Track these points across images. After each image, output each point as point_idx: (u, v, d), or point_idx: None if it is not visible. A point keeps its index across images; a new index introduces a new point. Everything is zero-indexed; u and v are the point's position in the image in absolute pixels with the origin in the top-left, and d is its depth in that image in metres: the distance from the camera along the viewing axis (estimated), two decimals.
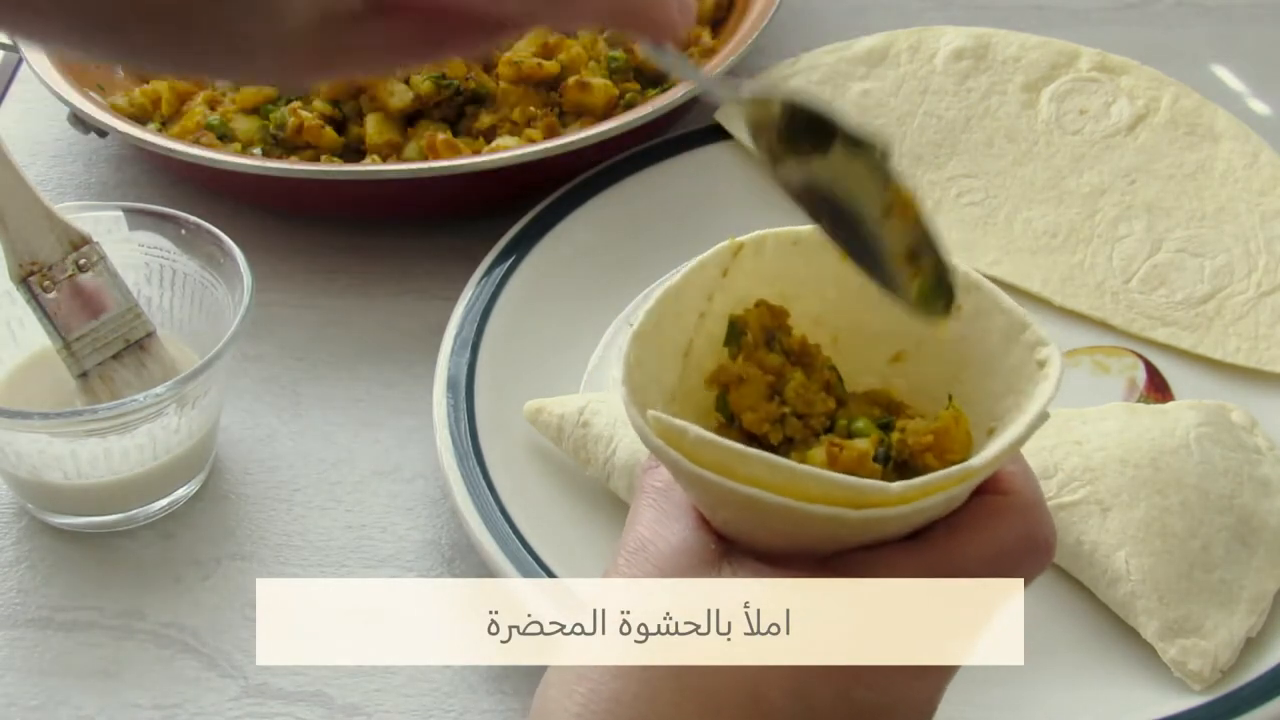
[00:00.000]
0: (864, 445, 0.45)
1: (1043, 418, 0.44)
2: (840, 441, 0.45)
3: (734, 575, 0.44)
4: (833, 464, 0.44)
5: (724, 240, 0.49)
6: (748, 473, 0.42)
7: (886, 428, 0.46)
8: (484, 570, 0.70)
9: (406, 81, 0.92)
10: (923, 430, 0.45)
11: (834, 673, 0.43)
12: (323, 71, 0.46)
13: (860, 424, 0.46)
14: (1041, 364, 0.45)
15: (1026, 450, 0.66)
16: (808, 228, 0.48)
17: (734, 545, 0.46)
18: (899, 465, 0.46)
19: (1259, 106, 0.98)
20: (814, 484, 0.42)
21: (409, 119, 0.93)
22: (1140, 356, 0.80)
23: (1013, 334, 0.46)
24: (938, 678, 0.45)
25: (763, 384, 0.46)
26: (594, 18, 0.46)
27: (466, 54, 0.49)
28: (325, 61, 0.44)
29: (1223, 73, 1.01)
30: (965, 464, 0.43)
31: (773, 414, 0.46)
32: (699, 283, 0.48)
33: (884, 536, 0.44)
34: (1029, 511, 0.46)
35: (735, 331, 0.47)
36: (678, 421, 0.43)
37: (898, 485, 0.42)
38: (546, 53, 0.94)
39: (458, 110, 0.93)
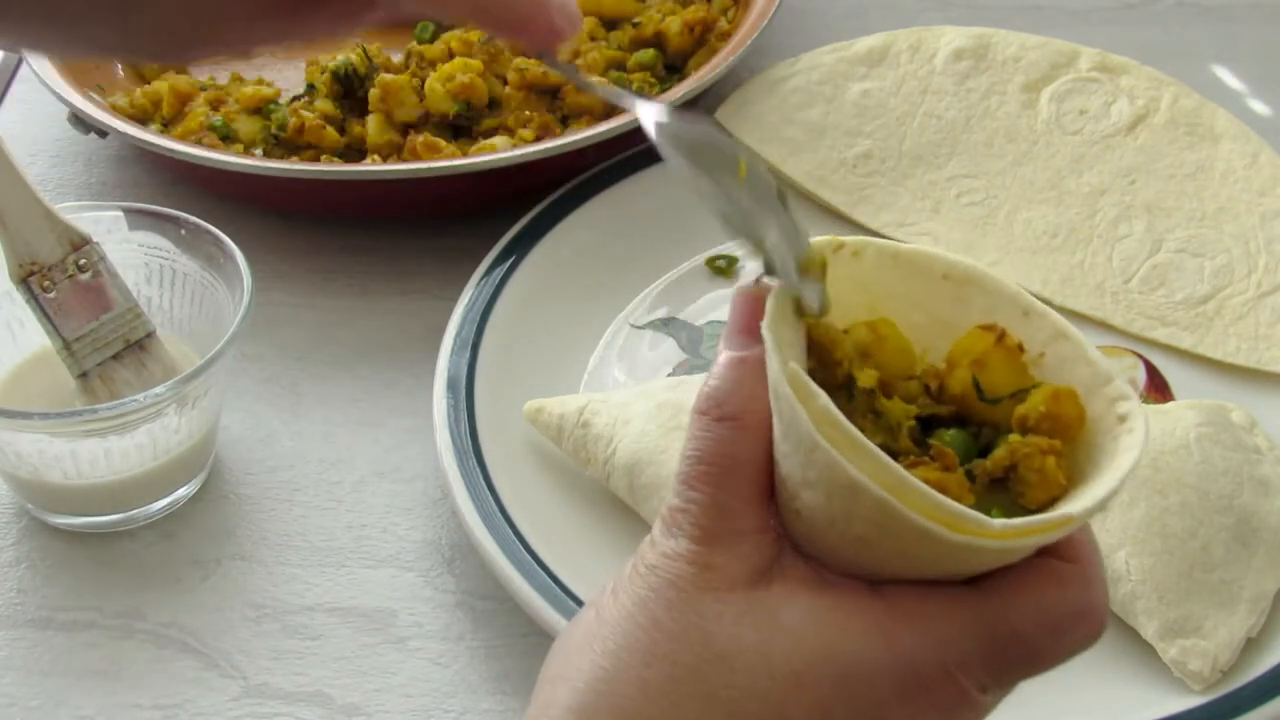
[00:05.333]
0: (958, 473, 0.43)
1: (1132, 473, 0.42)
2: (940, 450, 0.44)
3: (785, 589, 0.44)
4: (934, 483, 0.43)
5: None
6: (857, 460, 0.41)
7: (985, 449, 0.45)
8: (484, 570, 0.70)
9: (420, 97, 0.92)
10: (1037, 413, 0.44)
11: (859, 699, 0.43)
12: (195, 47, 0.48)
13: (950, 436, 0.45)
14: (1123, 418, 0.43)
15: None
16: (910, 246, 0.47)
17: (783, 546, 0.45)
18: (995, 481, 0.44)
19: (1259, 106, 0.98)
20: (916, 495, 0.41)
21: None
22: (1140, 356, 0.80)
23: (1096, 387, 0.45)
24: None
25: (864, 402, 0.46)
26: (461, 11, 0.47)
27: (331, 31, 0.50)
28: (195, 35, 0.45)
29: (1223, 73, 1.01)
30: (1066, 512, 0.42)
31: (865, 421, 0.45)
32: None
33: (948, 569, 0.44)
34: (1091, 585, 0.44)
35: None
36: (814, 384, 0.42)
37: (999, 522, 0.41)
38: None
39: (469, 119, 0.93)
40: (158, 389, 0.69)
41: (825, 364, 0.45)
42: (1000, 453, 0.44)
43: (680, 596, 0.44)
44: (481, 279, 0.82)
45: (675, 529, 0.45)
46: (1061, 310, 0.82)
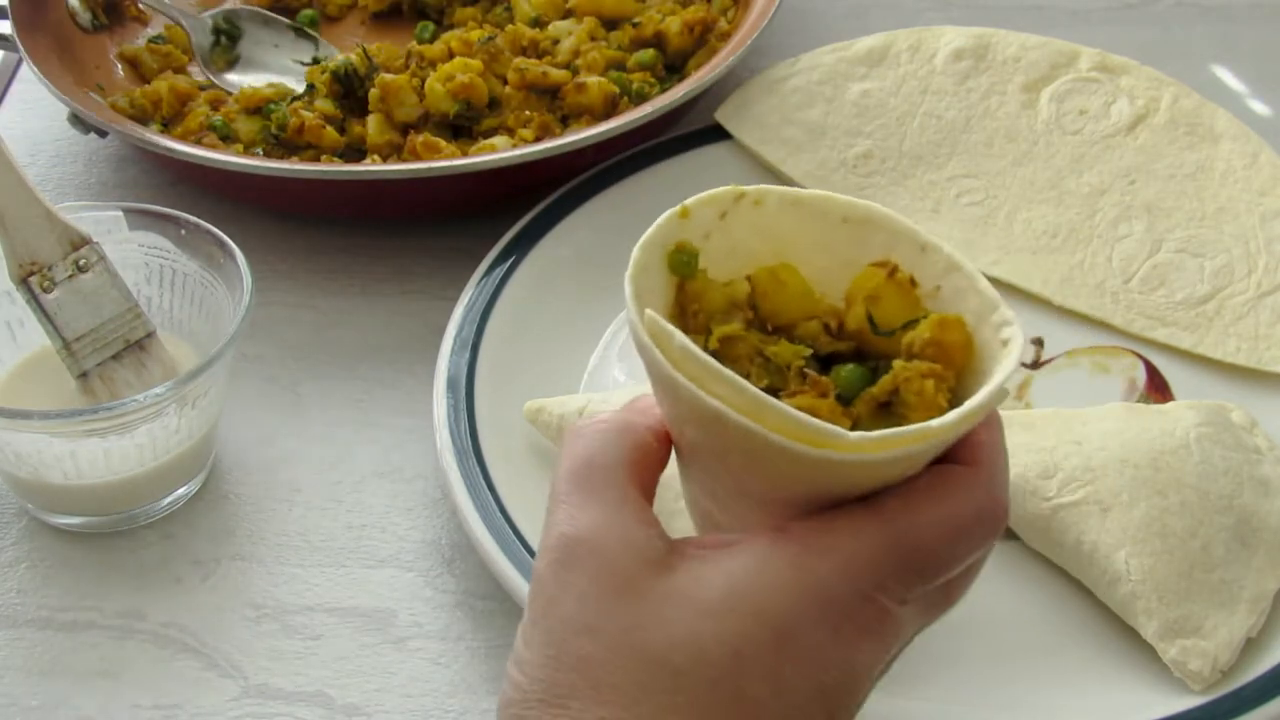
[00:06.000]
0: (826, 392, 0.46)
1: (1002, 393, 0.44)
2: (815, 379, 0.46)
3: (691, 573, 0.44)
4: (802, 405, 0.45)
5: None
6: (718, 390, 0.43)
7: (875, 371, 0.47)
8: (484, 570, 0.70)
9: (420, 97, 0.92)
10: (922, 340, 0.46)
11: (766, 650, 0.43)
12: None
13: (846, 370, 0.47)
14: (1005, 342, 0.46)
15: (1028, 449, 0.67)
16: (810, 191, 0.49)
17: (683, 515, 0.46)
18: (883, 406, 0.46)
19: (1259, 106, 0.98)
20: (775, 415, 0.43)
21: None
22: (1140, 356, 0.80)
23: (984, 314, 0.47)
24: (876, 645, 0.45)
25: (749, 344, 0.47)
26: None
27: None
28: None
29: (1223, 73, 1.01)
30: (924, 424, 0.43)
31: (748, 352, 0.47)
32: (699, 218, 0.49)
33: (837, 489, 0.45)
34: (990, 485, 0.46)
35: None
36: (669, 325, 0.44)
37: (855, 434, 0.43)
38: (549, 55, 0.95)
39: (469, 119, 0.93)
40: (158, 389, 0.69)
41: (686, 315, 0.48)
42: (885, 379, 0.46)
43: (589, 615, 0.44)
44: (481, 279, 0.82)
45: (559, 562, 0.45)
46: (1062, 310, 0.83)
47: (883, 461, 0.44)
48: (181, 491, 0.76)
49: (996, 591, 0.69)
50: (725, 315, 0.48)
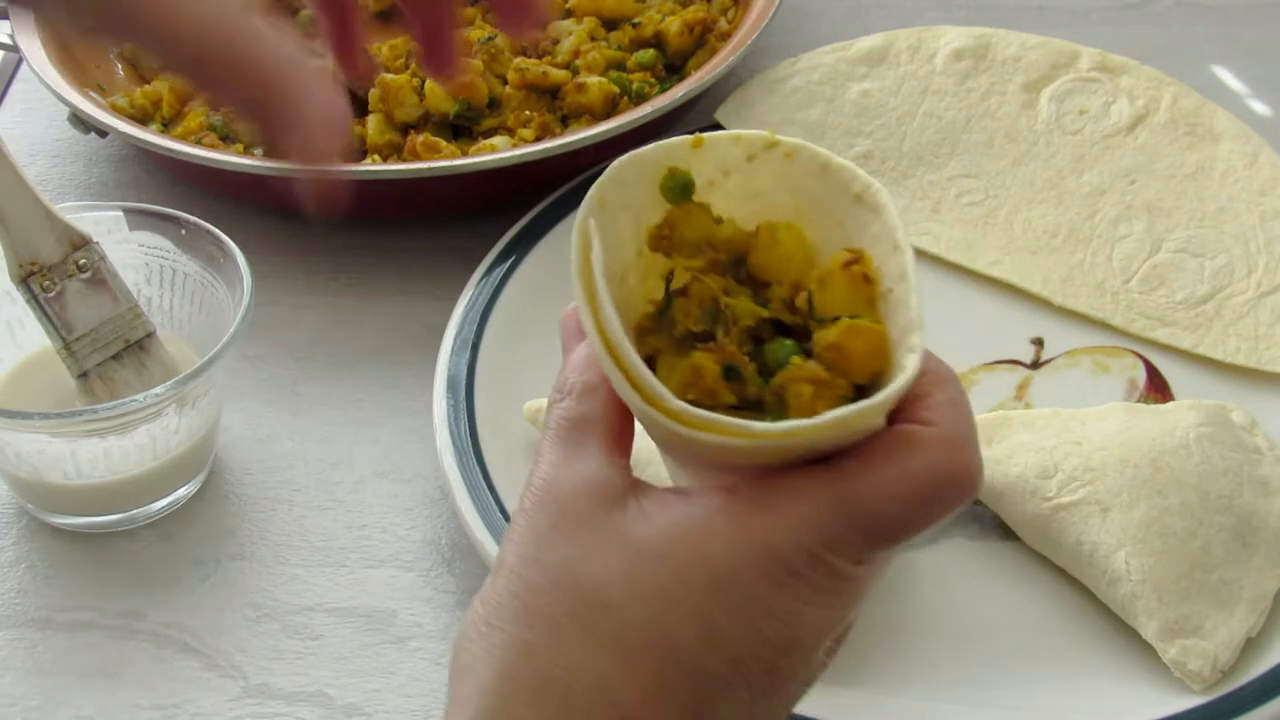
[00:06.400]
0: (713, 368, 0.46)
1: (861, 416, 0.43)
2: (723, 345, 0.46)
3: (640, 512, 0.45)
4: (698, 382, 0.45)
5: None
6: (645, 387, 0.44)
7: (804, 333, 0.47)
8: (484, 570, 0.70)
9: (420, 97, 0.92)
10: (825, 341, 0.46)
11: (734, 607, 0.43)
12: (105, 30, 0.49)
13: (775, 346, 0.46)
14: (903, 368, 0.44)
15: (1028, 449, 0.66)
16: (840, 160, 0.48)
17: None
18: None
19: (1259, 106, 0.98)
20: (690, 417, 0.43)
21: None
22: (1140, 356, 0.80)
23: (904, 331, 0.46)
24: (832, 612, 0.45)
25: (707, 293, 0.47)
26: (233, 106, 0.48)
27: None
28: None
29: (1223, 73, 1.01)
30: (748, 424, 0.43)
31: (701, 311, 0.47)
32: (720, 153, 0.49)
33: (777, 461, 0.45)
34: (951, 445, 0.44)
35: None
36: (596, 242, 0.45)
37: (760, 426, 0.42)
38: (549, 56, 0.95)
39: (469, 119, 0.93)
40: (158, 389, 0.69)
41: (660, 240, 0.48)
42: (780, 374, 0.45)
43: (541, 548, 0.45)
44: (481, 279, 0.82)
45: (528, 504, 0.47)
46: (1062, 310, 0.83)
47: (803, 444, 0.43)
48: (181, 491, 0.76)
49: (996, 591, 0.69)
50: (694, 250, 0.48)
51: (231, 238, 0.75)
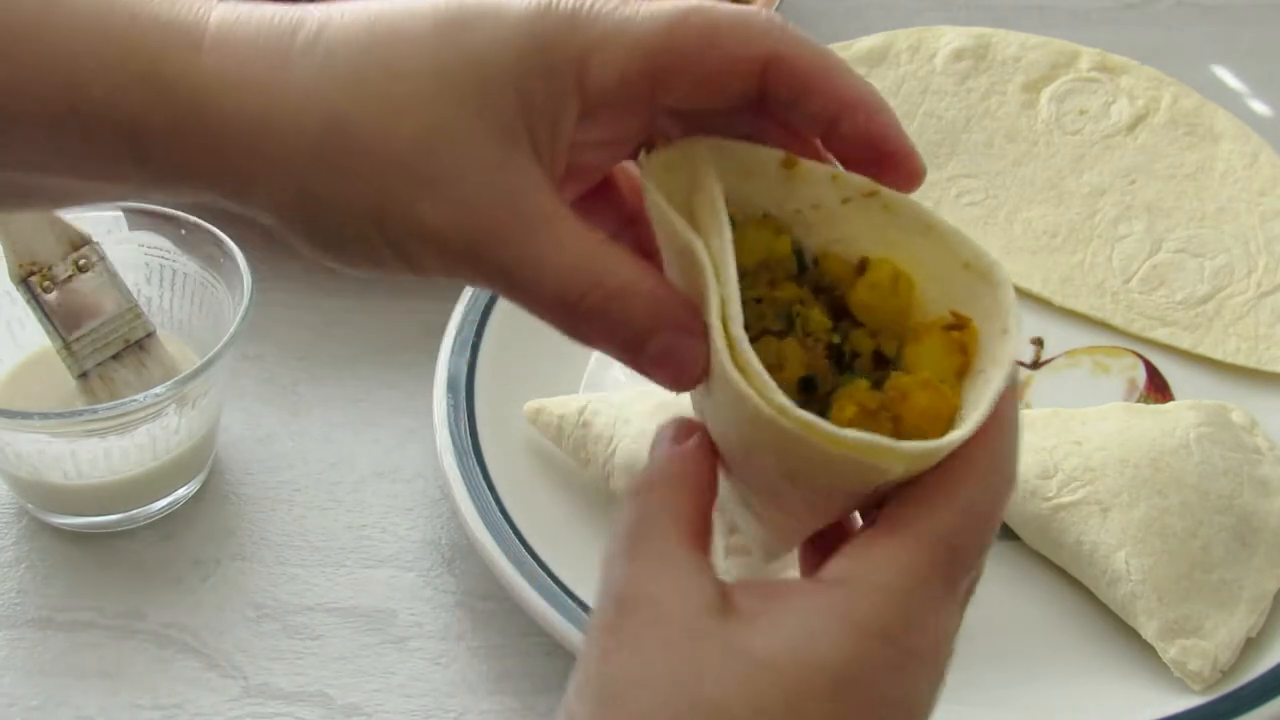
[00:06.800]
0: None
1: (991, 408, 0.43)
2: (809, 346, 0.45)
3: (739, 618, 0.43)
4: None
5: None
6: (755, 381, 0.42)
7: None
8: (484, 570, 0.70)
9: None
10: (899, 387, 0.44)
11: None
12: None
13: (853, 384, 0.45)
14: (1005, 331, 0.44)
15: (1028, 449, 0.65)
16: (943, 221, 0.46)
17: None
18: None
19: (1259, 106, 0.98)
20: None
21: None
22: (1140, 356, 0.80)
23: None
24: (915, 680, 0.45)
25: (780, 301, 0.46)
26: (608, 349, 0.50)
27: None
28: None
29: (1223, 73, 1.01)
30: (914, 445, 0.42)
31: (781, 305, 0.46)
32: (814, 186, 0.47)
33: (860, 486, 0.44)
34: (997, 460, 0.44)
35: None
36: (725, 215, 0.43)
37: (914, 446, 0.42)
38: None
39: None
40: (158, 389, 0.69)
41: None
42: (843, 388, 0.44)
43: (652, 668, 0.43)
44: None
45: (614, 615, 0.44)
46: (1062, 310, 0.83)
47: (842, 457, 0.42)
48: (181, 491, 0.76)
49: (996, 591, 0.69)
50: (755, 273, 0.46)
51: (231, 238, 0.75)
